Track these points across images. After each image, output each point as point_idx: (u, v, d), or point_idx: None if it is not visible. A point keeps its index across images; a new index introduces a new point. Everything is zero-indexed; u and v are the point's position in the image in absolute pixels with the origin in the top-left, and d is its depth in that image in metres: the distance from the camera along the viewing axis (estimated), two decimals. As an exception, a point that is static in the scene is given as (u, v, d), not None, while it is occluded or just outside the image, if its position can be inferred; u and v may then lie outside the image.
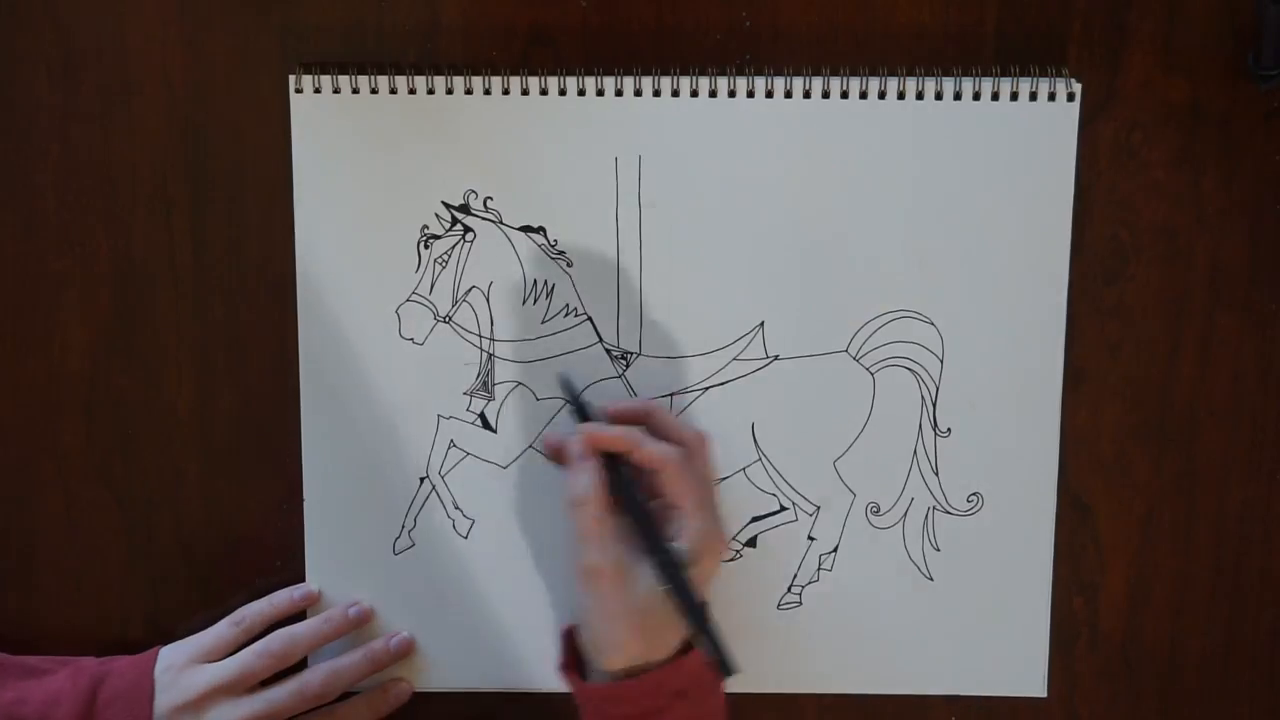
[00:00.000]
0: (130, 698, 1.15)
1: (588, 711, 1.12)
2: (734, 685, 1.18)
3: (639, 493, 1.11)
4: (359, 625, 1.20)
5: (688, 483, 1.10)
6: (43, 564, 1.22)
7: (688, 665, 1.10)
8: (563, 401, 1.18)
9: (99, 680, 1.15)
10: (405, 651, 1.20)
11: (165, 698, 1.15)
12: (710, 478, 1.15)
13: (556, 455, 1.15)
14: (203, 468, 1.21)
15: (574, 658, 1.14)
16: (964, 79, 1.15)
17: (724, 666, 1.08)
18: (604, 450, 1.11)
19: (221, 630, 1.19)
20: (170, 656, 1.18)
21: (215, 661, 1.17)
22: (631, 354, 1.18)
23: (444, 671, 1.21)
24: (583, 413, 1.14)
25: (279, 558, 1.21)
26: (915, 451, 1.20)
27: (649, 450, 1.10)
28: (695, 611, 1.08)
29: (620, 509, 1.11)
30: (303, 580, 1.20)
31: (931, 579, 1.20)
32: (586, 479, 1.10)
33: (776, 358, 1.18)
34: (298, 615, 1.20)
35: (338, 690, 1.19)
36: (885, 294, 1.18)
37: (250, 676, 1.17)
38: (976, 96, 1.15)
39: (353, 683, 1.19)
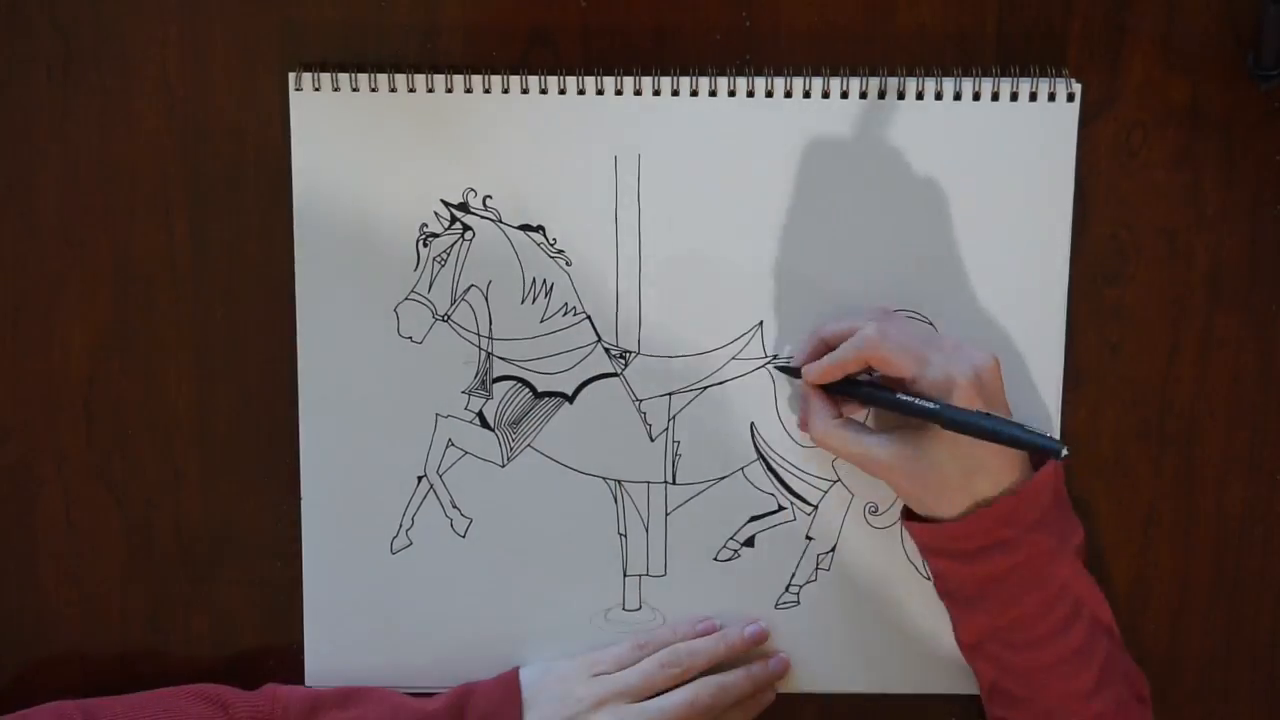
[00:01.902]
0: (498, 713, 1.16)
1: (936, 554, 1.14)
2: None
3: (879, 388, 1.14)
4: (755, 645, 1.21)
5: (894, 348, 1.11)
6: (43, 564, 1.22)
7: (1027, 493, 1.10)
8: (555, 401, 1.19)
9: (464, 698, 1.17)
10: (783, 672, 1.21)
11: (553, 709, 1.17)
12: (913, 329, 1.14)
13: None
14: (203, 468, 1.21)
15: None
16: (964, 79, 1.15)
17: (1048, 449, 1.06)
18: (822, 383, 1.15)
19: (624, 652, 1.20)
20: (563, 669, 1.19)
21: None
22: (630, 353, 1.18)
23: (443, 671, 1.21)
24: (784, 368, 1.18)
25: (278, 558, 1.21)
26: (914, 452, 1.19)
27: (844, 356, 1.13)
28: (980, 424, 1.07)
29: (878, 408, 1.15)
30: (301, 580, 1.20)
31: (929, 578, 1.20)
32: (814, 421, 1.15)
33: (775, 357, 1.18)
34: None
35: (722, 707, 1.19)
36: (884, 294, 1.18)
37: (650, 687, 1.18)
38: (977, 97, 1.15)
39: (735, 701, 1.20)
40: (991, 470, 1.10)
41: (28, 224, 1.18)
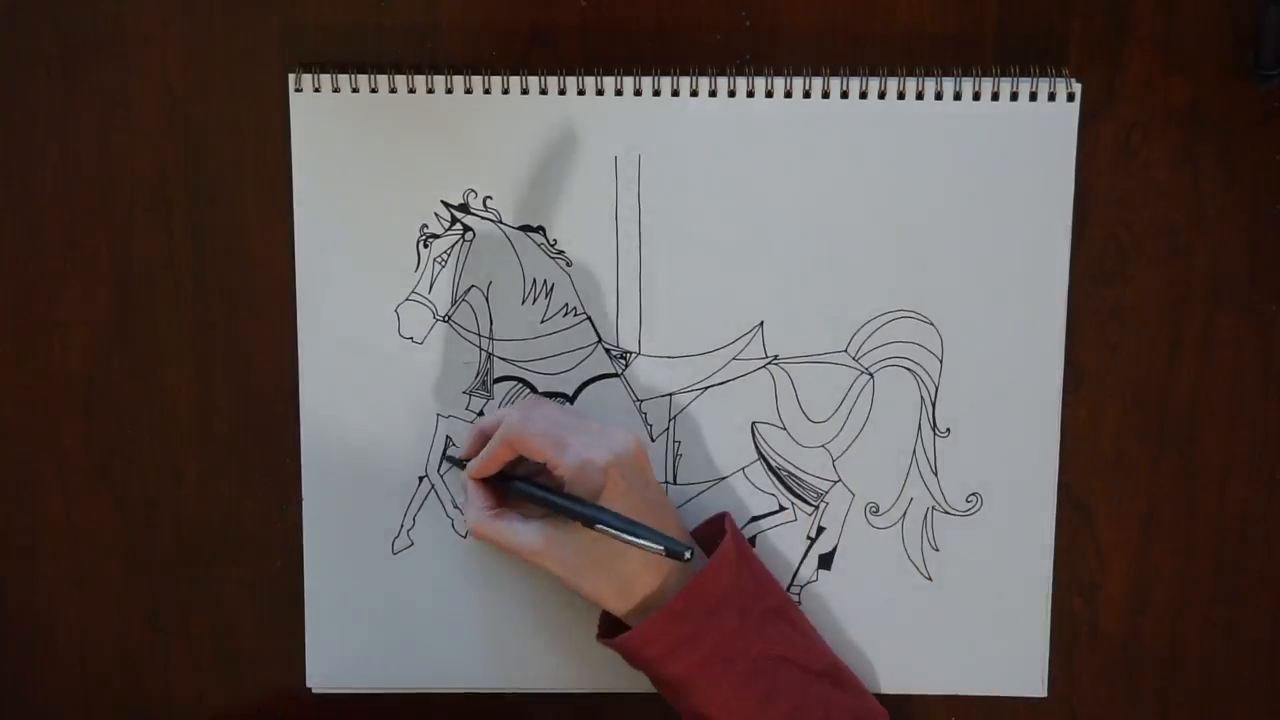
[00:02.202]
0: None
1: (634, 664, 1.13)
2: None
3: (525, 483, 1.14)
4: None
5: (533, 435, 1.11)
6: (43, 564, 1.22)
7: (701, 584, 1.09)
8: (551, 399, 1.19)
9: None
10: None
11: None
12: (557, 416, 1.14)
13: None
14: (203, 468, 1.21)
15: (613, 626, 1.15)
16: (964, 79, 1.15)
17: (672, 554, 1.06)
18: (482, 477, 1.15)
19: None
20: None
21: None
22: (631, 353, 1.18)
23: (444, 671, 1.21)
24: (451, 459, 1.19)
25: (279, 557, 1.21)
26: (915, 451, 1.20)
27: (493, 448, 1.13)
28: (610, 523, 1.07)
29: (527, 503, 1.14)
30: (302, 580, 1.20)
31: (930, 579, 1.20)
32: (469, 512, 1.16)
33: (776, 358, 1.18)
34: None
35: None
36: (885, 294, 1.18)
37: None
38: (976, 96, 1.15)
39: None
40: (639, 553, 1.09)
41: (28, 224, 1.18)
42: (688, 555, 1.06)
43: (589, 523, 1.08)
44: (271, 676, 1.22)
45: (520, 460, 1.14)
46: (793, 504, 1.20)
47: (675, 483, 1.20)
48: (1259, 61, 1.15)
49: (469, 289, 1.17)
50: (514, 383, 1.18)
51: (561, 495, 1.10)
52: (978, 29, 1.16)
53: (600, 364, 1.18)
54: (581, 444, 1.10)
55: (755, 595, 1.13)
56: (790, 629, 1.14)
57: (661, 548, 1.06)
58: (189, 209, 1.18)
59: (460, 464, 1.17)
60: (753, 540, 1.21)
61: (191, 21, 1.16)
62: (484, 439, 1.16)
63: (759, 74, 1.16)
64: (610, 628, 1.15)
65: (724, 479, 1.20)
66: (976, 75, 1.15)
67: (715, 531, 1.16)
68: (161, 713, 1.23)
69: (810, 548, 1.21)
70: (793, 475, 1.19)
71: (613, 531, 1.07)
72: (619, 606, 1.11)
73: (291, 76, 1.16)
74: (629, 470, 1.10)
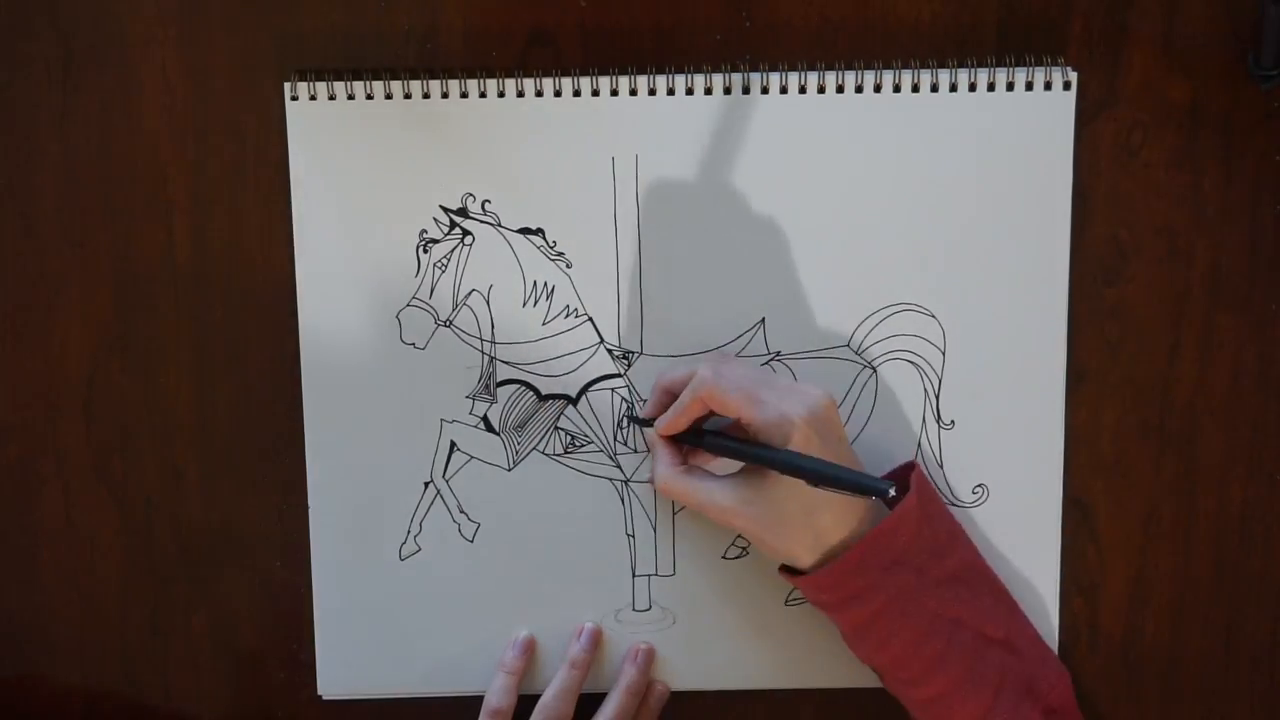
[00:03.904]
0: None
1: (813, 603, 1.15)
2: (743, 682, 1.21)
3: (719, 435, 1.14)
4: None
5: (727, 391, 1.10)
6: (43, 564, 1.22)
7: (873, 538, 1.10)
8: (560, 404, 1.19)
9: None
10: (651, 660, 1.21)
11: None
12: (748, 370, 1.13)
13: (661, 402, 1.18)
14: (203, 468, 1.21)
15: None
16: (960, 70, 1.15)
17: (876, 491, 1.05)
18: (672, 434, 1.15)
19: None
20: None
21: None
22: (633, 353, 1.18)
23: (452, 675, 1.22)
24: (635, 419, 1.19)
25: (279, 558, 1.21)
26: (920, 445, 1.20)
27: (683, 404, 1.13)
28: (807, 467, 1.07)
29: (722, 455, 1.14)
30: (302, 580, 1.20)
31: (935, 575, 1.20)
32: (658, 469, 1.16)
33: (778, 354, 1.18)
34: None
35: None
36: (886, 288, 1.18)
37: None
38: (973, 88, 1.15)
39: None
40: (833, 507, 1.10)
41: (28, 224, 1.18)
42: (891, 491, 1.05)
43: (790, 471, 1.07)
44: (272, 677, 1.22)
45: (706, 416, 1.14)
46: (797, 501, 1.20)
47: (645, 425, 1.20)
48: (1259, 61, 1.15)
49: (470, 293, 1.17)
50: (517, 386, 1.18)
51: (759, 445, 1.10)
52: (978, 29, 1.16)
53: (603, 365, 1.18)
54: (775, 398, 1.10)
55: (937, 554, 1.13)
56: (969, 593, 1.14)
57: (866, 489, 1.05)
58: (189, 209, 1.18)
59: (646, 422, 1.17)
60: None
61: (191, 22, 1.16)
62: (668, 396, 1.16)
63: (755, 70, 1.16)
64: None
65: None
66: (973, 67, 1.15)
67: (903, 481, 1.16)
68: (161, 713, 1.23)
69: (816, 544, 1.21)
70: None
71: (820, 472, 1.06)
72: (810, 559, 1.11)
73: (287, 85, 1.16)
74: (821, 425, 1.10)
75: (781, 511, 1.10)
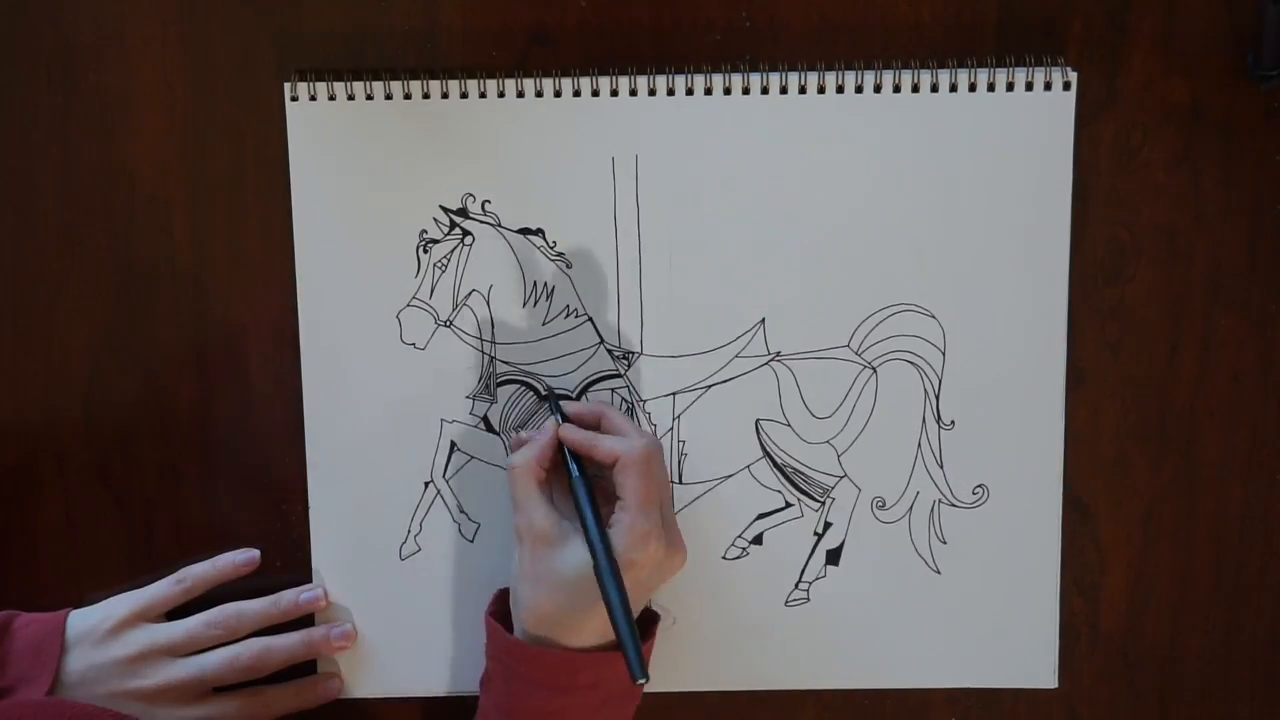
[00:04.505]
0: (37, 651, 1.15)
1: (496, 665, 1.13)
2: (743, 683, 1.21)
3: (589, 488, 1.12)
4: (309, 611, 1.20)
5: (636, 480, 1.10)
6: (43, 564, 1.22)
7: (606, 663, 1.10)
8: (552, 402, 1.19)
9: (6, 623, 1.16)
10: (345, 644, 1.20)
11: (102, 652, 1.15)
12: (661, 484, 1.13)
13: (518, 445, 1.16)
14: (203, 468, 1.21)
15: (503, 612, 1.15)
16: (960, 70, 1.15)
17: (633, 668, 1.06)
18: (569, 447, 1.14)
19: (164, 588, 1.19)
20: (113, 609, 1.17)
21: (156, 621, 1.18)
22: (633, 353, 1.18)
23: (452, 675, 1.22)
24: (557, 413, 1.17)
25: (278, 557, 1.21)
26: (920, 445, 1.20)
27: (607, 446, 1.12)
28: (615, 604, 1.07)
29: (571, 493, 1.12)
30: (302, 580, 1.20)
31: (939, 572, 1.20)
32: (529, 452, 1.13)
33: (778, 354, 1.18)
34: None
35: (269, 668, 1.19)
36: (886, 288, 1.18)
37: (194, 644, 1.17)
38: (973, 88, 1.15)
39: (285, 663, 1.20)
40: (602, 617, 1.09)
41: (28, 224, 1.18)
42: (641, 681, 1.06)
43: (600, 577, 1.08)
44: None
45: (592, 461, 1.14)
46: (799, 500, 1.20)
47: (681, 482, 1.20)
48: (1259, 61, 1.15)
49: (470, 293, 1.17)
50: (517, 386, 1.18)
51: (602, 538, 1.09)
52: (978, 29, 1.16)
53: (603, 365, 1.18)
54: (659, 521, 1.10)
55: (625, 699, 1.14)
56: None
57: (631, 662, 1.06)
58: (189, 209, 1.18)
59: (558, 409, 1.17)
60: (760, 538, 1.21)
61: (191, 22, 1.16)
62: (596, 420, 1.16)
63: (755, 70, 1.15)
64: (501, 611, 1.16)
65: (730, 477, 1.20)
66: (973, 67, 1.15)
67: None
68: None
69: (818, 544, 1.21)
70: (798, 471, 1.19)
71: (612, 608, 1.07)
72: (540, 628, 1.11)
73: (287, 85, 1.16)
74: (660, 573, 1.12)
75: (570, 579, 1.09)
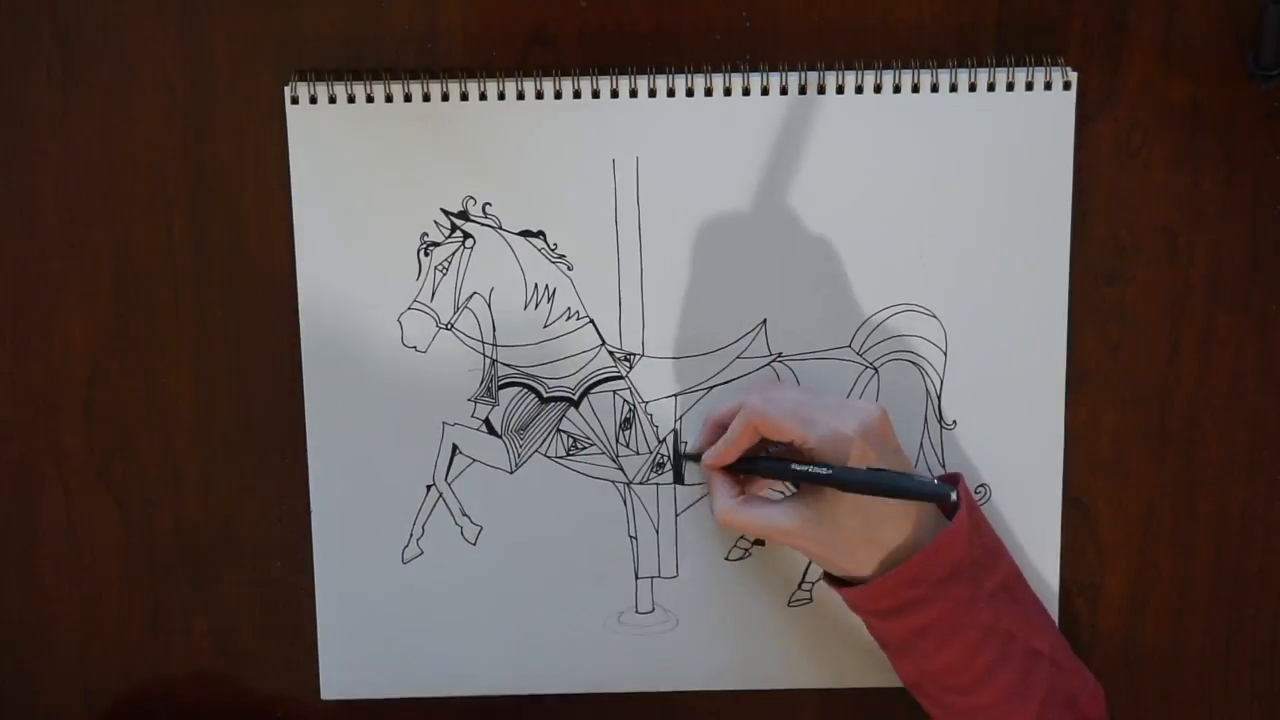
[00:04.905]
0: None
1: (857, 611, 1.14)
2: (745, 682, 1.22)
3: (774, 459, 1.14)
4: None
5: (776, 413, 1.11)
6: (43, 564, 1.22)
7: (931, 551, 1.10)
8: (561, 406, 1.19)
9: None
10: None
11: None
12: (796, 392, 1.15)
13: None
14: (203, 468, 1.21)
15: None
16: (960, 70, 1.15)
17: (937, 496, 1.07)
18: (723, 465, 1.15)
19: None
20: None
21: None
22: (635, 355, 1.18)
23: (454, 677, 1.22)
24: (686, 456, 1.20)
25: (279, 558, 1.21)
26: (921, 445, 1.20)
27: (733, 436, 1.13)
28: (868, 480, 1.08)
29: (778, 479, 1.15)
30: (302, 581, 1.20)
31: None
32: (716, 504, 1.15)
33: (780, 355, 1.18)
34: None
35: None
36: (887, 288, 1.18)
37: None
38: (973, 88, 1.15)
39: None
40: (895, 518, 1.10)
41: (28, 224, 1.18)
42: (954, 496, 1.06)
43: (852, 488, 1.08)
44: (273, 678, 1.22)
45: (759, 444, 1.14)
46: (800, 500, 1.20)
47: (684, 484, 1.20)
48: (1259, 61, 1.15)
49: (471, 296, 1.17)
50: (519, 388, 1.18)
51: (816, 465, 1.09)
52: (978, 28, 1.16)
53: (605, 367, 1.18)
54: (827, 416, 1.10)
55: (986, 567, 1.13)
56: (1017, 606, 1.14)
57: (930, 495, 1.07)
58: (189, 209, 1.18)
59: (695, 458, 1.18)
60: (762, 539, 1.21)
61: (191, 23, 1.16)
62: (719, 429, 1.16)
63: (755, 70, 1.15)
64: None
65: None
66: (973, 67, 1.15)
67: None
68: (161, 713, 1.23)
69: (820, 544, 1.21)
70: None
71: (882, 484, 1.07)
72: (869, 571, 1.11)
73: (287, 87, 1.15)
74: (876, 438, 1.10)
75: (844, 528, 1.10)
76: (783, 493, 1.17)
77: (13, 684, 1.23)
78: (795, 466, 1.11)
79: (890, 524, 1.10)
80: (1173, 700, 1.23)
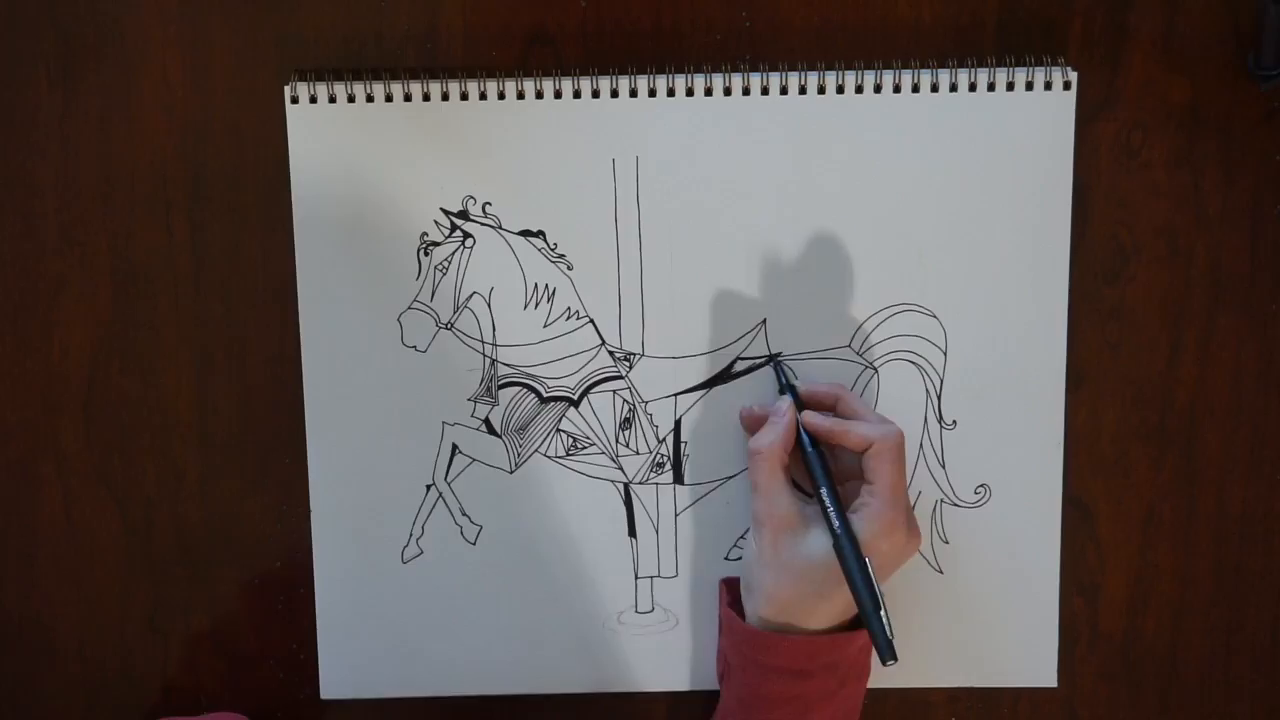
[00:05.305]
0: None
1: (736, 655, 1.14)
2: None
3: (829, 468, 1.13)
4: None
5: (889, 467, 1.11)
6: (43, 564, 1.22)
7: (845, 643, 1.11)
8: (561, 406, 1.19)
9: None
10: None
11: None
12: (903, 471, 1.13)
13: (752, 423, 1.17)
14: (203, 468, 1.21)
15: (735, 600, 1.17)
16: (960, 70, 1.15)
17: (882, 652, 1.08)
18: (818, 435, 1.14)
19: None
20: None
21: None
22: (635, 355, 1.18)
23: (454, 677, 1.22)
24: (789, 390, 1.17)
25: (279, 558, 1.21)
26: (921, 445, 1.20)
27: (861, 432, 1.12)
28: (862, 590, 1.08)
29: (809, 476, 1.14)
30: (302, 581, 1.21)
31: (941, 571, 1.21)
32: (772, 435, 1.14)
33: (780, 355, 1.18)
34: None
35: None
36: (887, 288, 1.18)
37: None
38: (973, 88, 1.15)
39: None
40: (846, 596, 1.10)
41: (28, 224, 1.18)
42: (889, 663, 1.08)
43: (847, 565, 1.09)
44: (272, 677, 1.22)
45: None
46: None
47: (684, 483, 1.20)
48: (1259, 61, 1.15)
49: (471, 296, 1.17)
50: (518, 388, 1.18)
51: (845, 524, 1.10)
52: (978, 28, 1.16)
53: (604, 366, 1.18)
54: (908, 509, 1.12)
55: (859, 678, 1.15)
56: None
57: (880, 645, 1.09)
58: (189, 209, 1.18)
59: (796, 396, 1.17)
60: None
61: (191, 22, 1.16)
62: (832, 401, 1.16)
63: (755, 70, 1.15)
64: (733, 599, 1.17)
65: (731, 478, 1.20)
66: (973, 67, 1.15)
67: None
68: (161, 713, 1.23)
69: (820, 544, 1.21)
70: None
71: (859, 595, 1.09)
72: (780, 615, 1.12)
73: (287, 87, 1.15)
74: (895, 561, 1.12)
75: (812, 563, 1.11)
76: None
77: (13, 684, 1.23)
78: (830, 496, 1.11)
79: (839, 601, 1.11)
80: (1173, 700, 1.23)
